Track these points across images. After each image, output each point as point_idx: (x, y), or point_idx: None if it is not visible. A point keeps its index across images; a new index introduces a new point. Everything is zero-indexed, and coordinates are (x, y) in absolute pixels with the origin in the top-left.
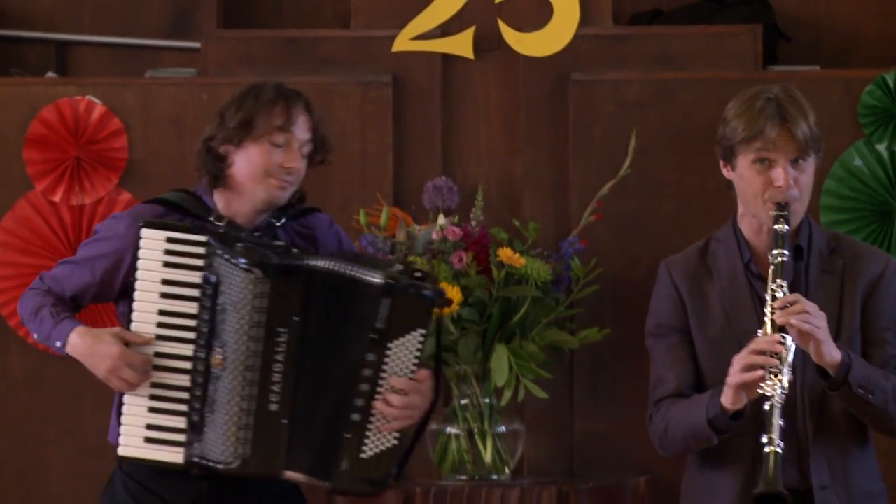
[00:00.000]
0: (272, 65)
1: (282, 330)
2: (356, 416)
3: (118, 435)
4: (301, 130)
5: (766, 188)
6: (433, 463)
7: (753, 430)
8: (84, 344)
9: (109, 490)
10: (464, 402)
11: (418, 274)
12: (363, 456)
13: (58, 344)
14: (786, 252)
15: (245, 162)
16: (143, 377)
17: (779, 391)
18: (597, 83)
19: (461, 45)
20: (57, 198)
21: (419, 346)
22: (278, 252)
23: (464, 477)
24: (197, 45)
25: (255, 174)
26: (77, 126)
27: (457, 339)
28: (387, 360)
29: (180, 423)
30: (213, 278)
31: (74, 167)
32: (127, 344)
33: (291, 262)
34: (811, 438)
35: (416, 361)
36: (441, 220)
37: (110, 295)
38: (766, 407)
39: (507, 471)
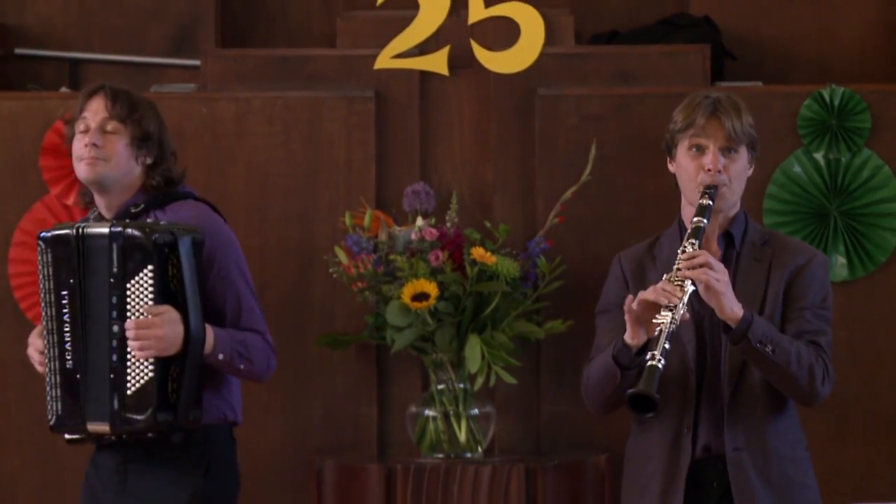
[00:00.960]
0: (265, 81)
1: (64, 293)
2: (115, 357)
3: None
4: (94, 113)
5: (698, 172)
6: (413, 442)
7: (679, 398)
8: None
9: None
10: (440, 387)
11: (149, 221)
12: (129, 392)
13: None
14: (704, 220)
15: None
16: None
17: (668, 320)
18: (560, 97)
19: (437, 63)
20: (70, 201)
21: (151, 281)
22: (61, 225)
23: (441, 455)
24: (197, 62)
25: (74, 162)
26: None
27: (434, 330)
28: (128, 300)
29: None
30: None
31: None
32: None
33: (62, 232)
34: (727, 403)
35: (151, 295)
36: (419, 221)
37: None
38: (656, 333)
39: (479, 450)
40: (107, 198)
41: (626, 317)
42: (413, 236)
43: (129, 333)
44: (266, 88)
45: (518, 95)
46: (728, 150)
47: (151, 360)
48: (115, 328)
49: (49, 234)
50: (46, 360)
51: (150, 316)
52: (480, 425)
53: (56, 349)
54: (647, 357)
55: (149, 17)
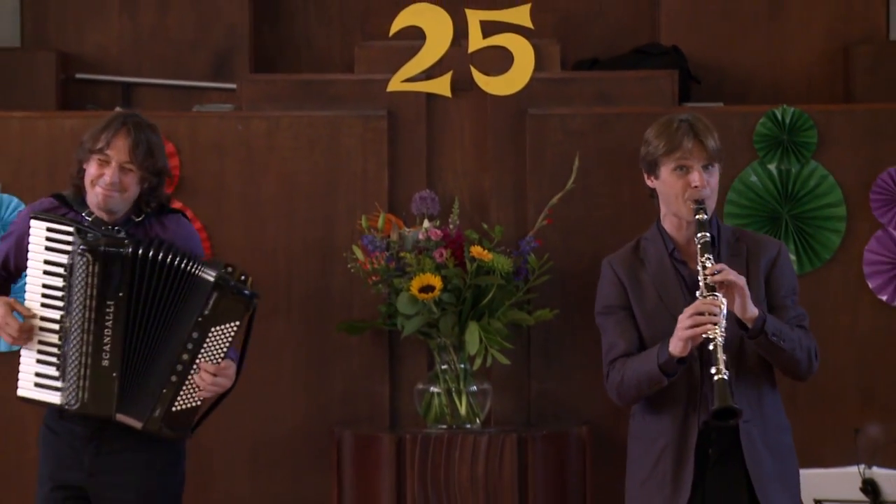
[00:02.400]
0: (293, 102)
1: (110, 302)
2: (174, 378)
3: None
4: (117, 151)
5: (685, 189)
6: (420, 415)
7: (685, 382)
8: None
9: (40, 433)
10: (444, 367)
11: (242, 277)
12: (173, 409)
13: None
14: (708, 235)
15: (86, 173)
16: (24, 335)
17: (719, 334)
18: (548, 116)
19: (441, 86)
20: None
21: (231, 335)
22: (113, 242)
23: (444, 426)
24: (233, 86)
25: (88, 184)
26: None
27: (438, 318)
28: (207, 340)
29: (56, 372)
30: (70, 261)
31: None
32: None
33: (117, 250)
34: (734, 383)
35: (227, 346)
36: (426, 223)
37: (21, 268)
38: (711, 347)
39: (478, 421)
40: (108, 213)
41: (680, 335)
42: (420, 236)
43: (204, 375)
44: (293, 108)
45: (511, 114)
46: (707, 167)
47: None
48: (185, 357)
49: (102, 249)
50: (70, 351)
51: (221, 366)
52: (478, 400)
53: (90, 347)
54: (713, 372)
55: (192, 46)
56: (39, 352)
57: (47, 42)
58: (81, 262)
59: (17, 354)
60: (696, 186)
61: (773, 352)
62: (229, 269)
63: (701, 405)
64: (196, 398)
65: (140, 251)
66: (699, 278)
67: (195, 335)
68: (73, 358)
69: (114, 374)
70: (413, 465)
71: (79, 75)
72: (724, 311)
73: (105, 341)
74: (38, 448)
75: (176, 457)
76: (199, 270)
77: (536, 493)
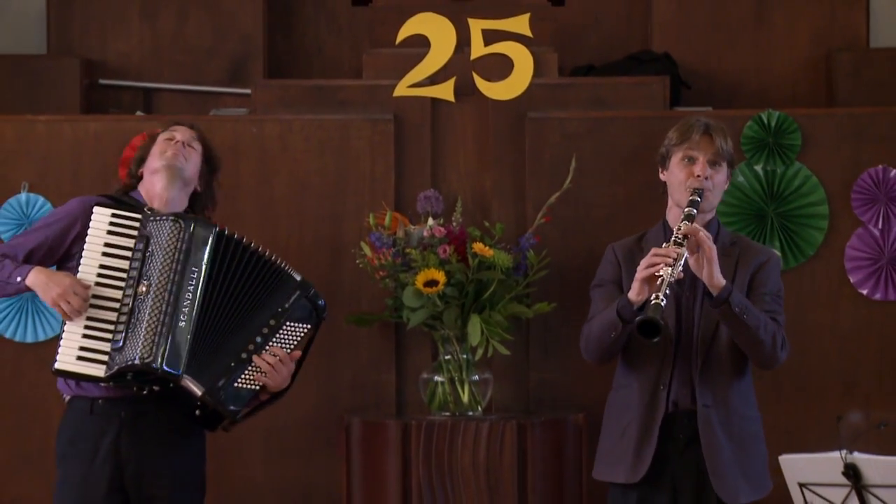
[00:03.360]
0: (304, 106)
1: (195, 269)
2: (245, 356)
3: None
4: (183, 132)
5: (688, 178)
6: (425, 403)
7: (658, 361)
8: (42, 276)
9: (59, 435)
10: (447, 357)
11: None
12: (235, 384)
13: (18, 279)
14: (694, 210)
15: (151, 157)
16: (83, 305)
17: (669, 272)
18: (546, 120)
19: (445, 91)
20: None
21: (301, 334)
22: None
23: (447, 413)
24: (248, 91)
25: (153, 160)
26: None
27: (442, 311)
28: (280, 331)
29: (105, 346)
30: (144, 237)
31: None
32: None
33: (206, 223)
34: (700, 368)
35: (295, 343)
36: (430, 221)
37: (55, 256)
38: (658, 282)
39: (479, 409)
40: (167, 192)
41: (636, 276)
42: (425, 233)
43: (270, 358)
44: (305, 112)
45: (511, 118)
46: (714, 163)
47: (261, 382)
48: (258, 339)
49: (193, 217)
50: (148, 309)
51: (292, 355)
52: (480, 389)
53: (169, 307)
54: (652, 298)
55: (209, 53)
56: (87, 326)
57: (72, 49)
58: (170, 230)
59: (44, 345)
60: (697, 176)
61: (736, 326)
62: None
63: (671, 386)
64: (257, 381)
65: (227, 231)
66: (675, 233)
67: (272, 322)
68: (148, 315)
69: (188, 336)
70: (418, 450)
71: (102, 81)
72: (682, 261)
73: (184, 304)
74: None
75: (202, 445)
76: (288, 268)
77: (535, 476)
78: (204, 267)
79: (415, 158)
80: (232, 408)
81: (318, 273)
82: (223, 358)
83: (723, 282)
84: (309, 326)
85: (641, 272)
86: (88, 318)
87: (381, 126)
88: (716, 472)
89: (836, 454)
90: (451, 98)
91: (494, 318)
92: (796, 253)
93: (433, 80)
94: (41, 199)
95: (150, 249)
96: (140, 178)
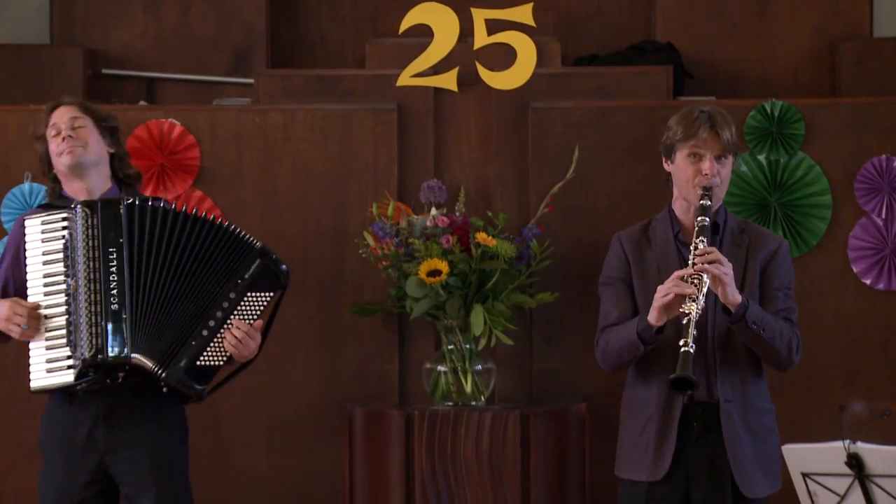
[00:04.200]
0: (307, 96)
1: (112, 249)
2: (205, 332)
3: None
4: (61, 116)
5: (696, 175)
6: (428, 393)
7: (671, 358)
8: None
9: (41, 425)
10: (450, 347)
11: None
12: (198, 363)
13: None
14: (707, 219)
15: (52, 159)
16: (33, 323)
17: (694, 310)
18: (549, 109)
19: (448, 81)
20: (147, 194)
21: (265, 303)
22: (101, 198)
23: (450, 403)
24: (251, 81)
25: (55, 161)
26: (162, 141)
27: (445, 301)
28: (242, 303)
29: (66, 351)
30: (69, 233)
31: (160, 172)
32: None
33: (110, 199)
34: (718, 365)
35: (258, 314)
36: (433, 211)
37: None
38: (684, 321)
39: (482, 399)
40: (86, 183)
41: (655, 304)
42: (428, 223)
43: (236, 332)
44: (308, 102)
45: (514, 108)
46: (720, 157)
47: (227, 355)
48: (219, 314)
49: (96, 200)
50: (81, 306)
51: (254, 326)
52: (483, 379)
53: (99, 294)
54: (681, 344)
55: (212, 43)
56: (47, 339)
57: (75, 39)
58: (80, 221)
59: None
60: (705, 174)
61: (753, 338)
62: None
63: None
64: (221, 356)
65: (136, 200)
66: (689, 257)
67: (232, 295)
68: (83, 311)
69: (124, 316)
70: (421, 440)
71: (105, 71)
72: (704, 290)
73: (112, 286)
74: (41, 446)
75: (183, 432)
76: (247, 236)
77: (538, 466)
78: (123, 244)
79: (418, 148)
80: (197, 387)
81: (321, 263)
82: (179, 332)
83: (739, 299)
84: (271, 294)
85: (660, 300)
86: (47, 331)
87: (385, 116)
88: (737, 465)
89: (839, 444)
90: (454, 88)
91: (497, 308)
92: (799, 243)
93: (436, 69)
94: (44, 189)
95: (72, 244)
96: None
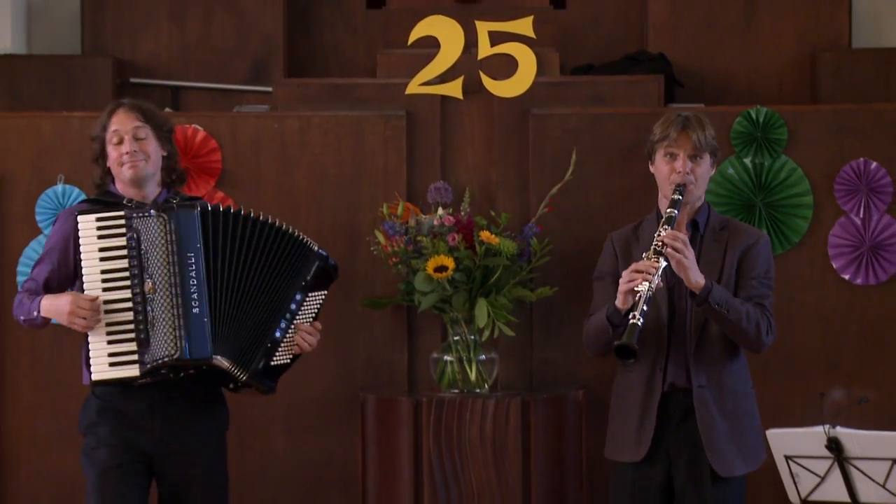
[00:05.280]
0: (322, 103)
1: (190, 255)
2: (278, 333)
3: (89, 368)
4: (122, 123)
5: (671, 174)
6: (435, 381)
7: (654, 350)
8: (47, 303)
9: (85, 408)
10: (456, 338)
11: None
12: (272, 363)
13: (35, 314)
14: (675, 211)
15: (111, 161)
16: (93, 316)
17: (645, 287)
18: (548, 116)
19: (454, 89)
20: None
21: (322, 301)
22: (177, 203)
23: (456, 390)
24: (269, 89)
25: (115, 167)
26: (186, 145)
27: (451, 295)
28: (305, 303)
29: (132, 346)
30: (135, 234)
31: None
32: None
33: (186, 206)
34: (693, 352)
35: (317, 311)
36: (440, 211)
37: (70, 277)
38: (636, 298)
39: (486, 386)
40: (144, 191)
41: (620, 288)
42: (435, 222)
43: (304, 335)
44: (323, 109)
45: (516, 114)
46: (694, 156)
47: (295, 353)
48: (288, 316)
49: (174, 207)
50: (159, 309)
51: (317, 326)
52: (487, 368)
53: (179, 298)
54: (630, 317)
55: (233, 54)
56: (109, 333)
57: (104, 50)
58: (155, 226)
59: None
60: (678, 172)
61: (719, 320)
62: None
63: (666, 368)
64: (290, 355)
65: (210, 207)
66: (654, 243)
67: (298, 296)
68: (163, 314)
69: (205, 320)
70: (429, 425)
71: (133, 79)
72: (660, 272)
73: (192, 291)
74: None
75: (224, 423)
76: (308, 241)
77: (538, 449)
78: (200, 250)
79: (425, 152)
80: (270, 383)
81: (335, 259)
82: (252, 332)
83: (702, 282)
84: (325, 293)
85: (623, 285)
86: (108, 325)
87: (394, 122)
88: (711, 447)
89: (819, 428)
90: (459, 95)
91: (500, 302)
92: (783, 240)
93: (443, 78)
94: (76, 190)
95: (143, 247)
96: (108, 171)
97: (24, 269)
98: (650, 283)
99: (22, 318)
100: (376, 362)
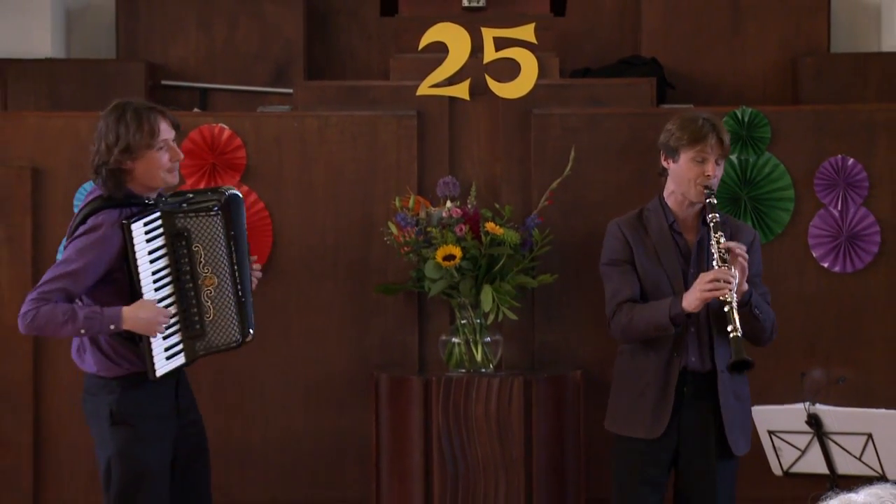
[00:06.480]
0: (339, 104)
1: (232, 244)
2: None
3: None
4: (169, 132)
5: (698, 176)
6: (443, 361)
7: (671, 336)
8: (131, 316)
9: (126, 392)
10: (463, 321)
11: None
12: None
13: (112, 327)
14: (718, 216)
15: (146, 167)
16: (167, 321)
17: (733, 299)
18: (549, 115)
19: (461, 90)
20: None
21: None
22: (202, 199)
23: (463, 370)
24: (290, 90)
25: (157, 174)
26: (213, 143)
27: (458, 281)
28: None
29: (178, 337)
30: (182, 232)
31: (211, 170)
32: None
33: (222, 197)
34: (715, 339)
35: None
36: (448, 204)
37: (99, 279)
38: (726, 309)
39: (491, 366)
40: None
41: (700, 295)
42: (444, 214)
43: (258, 273)
44: (340, 109)
45: (519, 114)
46: (718, 160)
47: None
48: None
49: (222, 203)
50: (225, 297)
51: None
52: (492, 349)
53: (234, 287)
54: (730, 329)
55: (256, 58)
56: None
57: (138, 54)
58: (211, 223)
59: None
60: (708, 175)
61: (751, 321)
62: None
63: (684, 351)
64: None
65: (231, 193)
66: (713, 251)
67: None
68: (226, 304)
69: (243, 300)
70: (438, 402)
71: (164, 82)
72: (736, 280)
73: (237, 277)
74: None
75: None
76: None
77: (540, 425)
78: (232, 237)
79: (435, 149)
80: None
81: (351, 249)
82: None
83: (746, 286)
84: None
85: (704, 293)
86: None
87: (406, 121)
88: (731, 427)
89: (800, 406)
90: (466, 97)
91: (504, 288)
92: (766, 231)
93: (451, 81)
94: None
95: (194, 246)
96: (122, 172)
97: None
98: (733, 291)
99: (82, 330)
100: (389, 344)
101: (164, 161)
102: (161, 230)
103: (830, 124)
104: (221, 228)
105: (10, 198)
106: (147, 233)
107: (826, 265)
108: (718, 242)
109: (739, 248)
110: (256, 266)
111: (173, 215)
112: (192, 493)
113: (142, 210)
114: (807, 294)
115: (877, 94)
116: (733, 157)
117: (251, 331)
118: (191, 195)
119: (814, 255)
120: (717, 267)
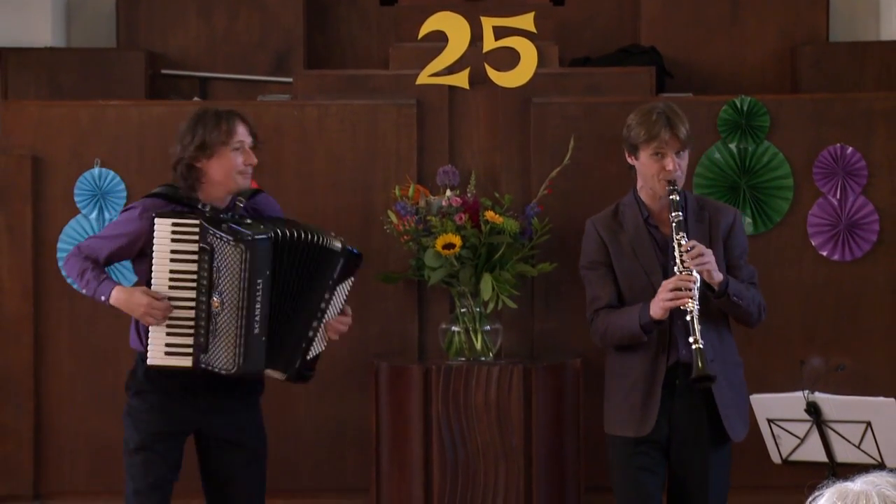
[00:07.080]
0: (339, 93)
1: (259, 281)
2: (311, 334)
3: (145, 349)
4: (245, 135)
5: (659, 171)
6: (443, 349)
7: (657, 332)
8: (122, 296)
9: (135, 370)
10: (463, 310)
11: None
12: (308, 357)
13: (102, 298)
14: (681, 215)
15: (219, 166)
16: (165, 314)
17: (695, 306)
18: (548, 104)
19: (461, 79)
20: None
21: (349, 287)
22: (251, 228)
23: (463, 359)
24: (290, 80)
25: (230, 174)
26: None
27: (458, 270)
28: (333, 297)
29: (188, 340)
30: (207, 247)
31: None
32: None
33: (262, 236)
34: (700, 331)
35: (346, 297)
36: (448, 193)
37: (128, 257)
38: (688, 318)
39: (490, 355)
40: (224, 194)
41: (662, 304)
42: (444, 203)
43: (338, 325)
44: (340, 98)
45: (518, 103)
46: (679, 152)
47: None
48: (320, 314)
49: (250, 239)
50: (224, 325)
51: (347, 314)
52: (491, 337)
53: (243, 320)
54: (691, 341)
55: (256, 47)
56: (169, 325)
57: (138, 43)
58: (232, 253)
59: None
60: (669, 170)
61: (732, 308)
62: (342, 237)
63: (670, 347)
64: (323, 344)
65: (280, 234)
66: (675, 255)
67: (327, 296)
68: (226, 331)
69: (262, 339)
70: (437, 390)
71: (164, 71)
72: (698, 285)
73: (256, 314)
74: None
75: (259, 395)
76: (328, 243)
77: (539, 413)
78: (269, 277)
79: (434, 138)
80: (308, 374)
81: (350, 237)
82: (294, 340)
83: (720, 277)
84: (353, 279)
85: (665, 303)
86: (169, 318)
87: (406, 110)
88: (726, 414)
89: (799, 394)
90: (466, 86)
91: (503, 277)
92: (765, 219)
93: (451, 70)
94: (111, 173)
95: (215, 264)
96: (196, 171)
97: (65, 245)
98: (694, 298)
99: (82, 290)
100: (389, 332)
101: (237, 162)
102: (195, 237)
103: (829, 113)
104: (238, 262)
105: (10, 186)
106: (175, 233)
107: (825, 253)
108: (679, 245)
109: (698, 250)
110: (345, 319)
111: (208, 229)
112: None
113: (188, 212)
114: (806, 282)
115: (875, 82)
116: (733, 146)
117: (242, 364)
118: (249, 221)
119: (813, 243)
120: (678, 272)
